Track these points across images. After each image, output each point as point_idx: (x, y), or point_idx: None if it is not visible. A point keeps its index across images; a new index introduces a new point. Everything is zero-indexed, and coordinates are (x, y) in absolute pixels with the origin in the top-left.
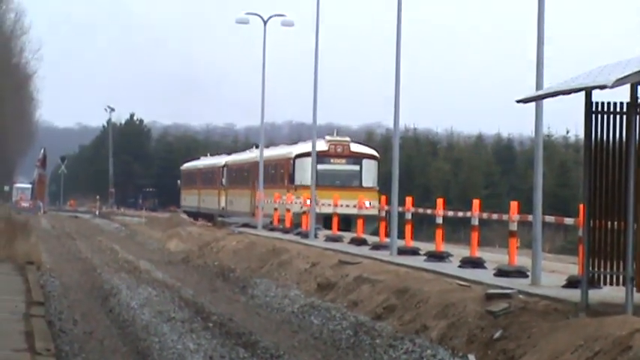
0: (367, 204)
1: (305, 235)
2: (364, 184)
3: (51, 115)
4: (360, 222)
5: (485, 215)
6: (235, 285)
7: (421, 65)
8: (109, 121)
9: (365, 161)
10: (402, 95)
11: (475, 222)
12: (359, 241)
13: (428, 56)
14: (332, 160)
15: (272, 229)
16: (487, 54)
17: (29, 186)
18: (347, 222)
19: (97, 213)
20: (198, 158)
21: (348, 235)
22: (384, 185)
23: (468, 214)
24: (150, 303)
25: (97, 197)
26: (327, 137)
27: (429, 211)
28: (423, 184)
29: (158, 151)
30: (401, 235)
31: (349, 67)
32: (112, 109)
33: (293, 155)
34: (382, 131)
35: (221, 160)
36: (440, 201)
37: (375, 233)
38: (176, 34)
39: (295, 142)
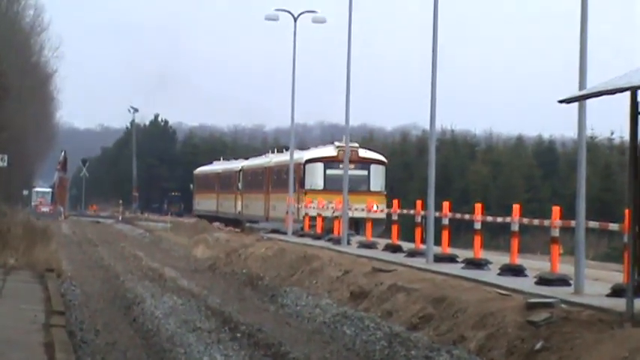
0: (375, 207)
1: (337, 242)
2: (372, 189)
3: (72, 116)
4: (368, 225)
5: (525, 221)
6: (264, 294)
7: (459, 65)
8: (132, 122)
9: (373, 166)
10: (439, 95)
11: (515, 228)
12: (394, 248)
13: (466, 56)
14: (341, 165)
15: (302, 235)
16: (528, 53)
17: (49, 190)
18: (356, 225)
19: (120, 218)
20: (211, 162)
21: (382, 242)
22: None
23: (508, 219)
24: (175, 312)
25: (120, 202)
26: (336, 143)
27: (466, 217)
28: (461, 188)
29: (184, 154)
30: (438, 241)
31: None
32: (136, 110)
33: (303, 160)
34: (418, 133)
35: (237, 164)
36: (478, 206)
37: (384, 236)
38: (200, 34)
39: (307, 148)
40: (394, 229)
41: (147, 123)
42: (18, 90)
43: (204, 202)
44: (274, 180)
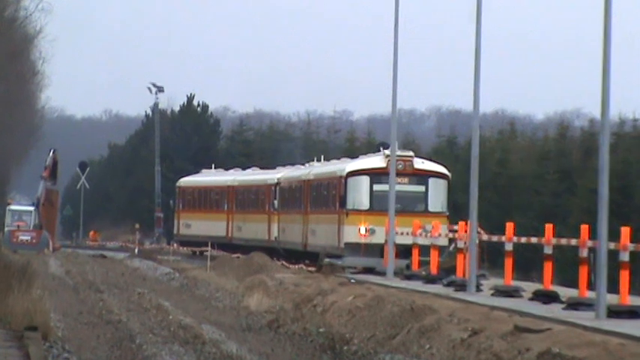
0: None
1: (461, 287)
2: (431, 209)
3: (65, 98)
4: (414, 251)
5: None
6: None
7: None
8: (154, 108)
9: (432, 180)
10: (614, 74)
11: None
12: (546, 296)
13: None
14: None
15: (409, 277)
16: None
17: (31, 208)
18: (409, 254)
19: (137, 250)
20: (198, 172)
21: (529, 287)
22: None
23: None
24: None
25: (137, 226)
26: (386, 151)
27: None
28: None
29: (231, 154)
30: (613, 287)
31: (530, 38)
32: (160, 89)
33: (345, 173)
34: (582, 123)
35: (271, 175)
36: None
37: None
38: None
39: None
40: (508, 263)
41: (176, 109)
42: None
43: (200, 225)
44: (313, 197)
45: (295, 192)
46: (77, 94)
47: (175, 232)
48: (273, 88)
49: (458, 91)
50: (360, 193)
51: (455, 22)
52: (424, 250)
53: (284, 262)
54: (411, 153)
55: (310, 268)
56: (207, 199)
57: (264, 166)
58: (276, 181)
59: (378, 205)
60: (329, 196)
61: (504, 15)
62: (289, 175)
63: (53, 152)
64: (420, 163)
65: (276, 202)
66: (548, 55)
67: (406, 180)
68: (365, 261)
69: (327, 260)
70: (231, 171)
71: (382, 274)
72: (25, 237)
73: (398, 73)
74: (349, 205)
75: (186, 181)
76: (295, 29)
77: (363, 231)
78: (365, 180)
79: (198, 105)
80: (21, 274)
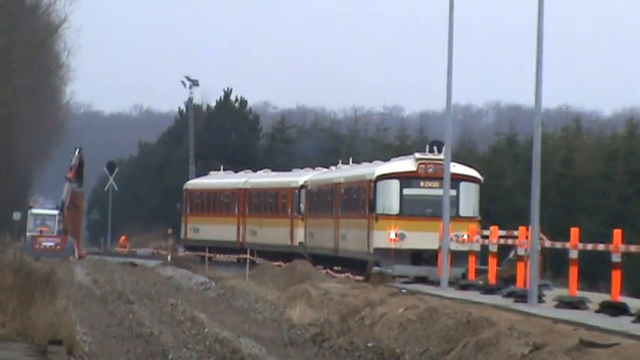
0: (465, 237)
1: (522, 297)
2: (462, 213)
3: (91, 93)
4: (471, 259)
5: None
6: None
7: None
8: (188, 104)
9: (463, 184)
10: None
11: None
12: (614, 308)
13: None
14: (422, 184)
15: (465, 287)
16: None
17: (55, 212)
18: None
19: (170, 258)
20: (206, 174)
21: (595, 298)
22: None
23: None
24: None
25: (170, 231)
26: (417, 155)
27: None
28: None
29: (272, 153)
30: None
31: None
32: (195, 83)
33: (374, 176)
34: None
35: (294, 178)
36: None
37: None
38: None
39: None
40: (573, 272)
41: (212, 104)
42: (4, 50)
43: (208, 229)
44: (344, 200)
45: (326, 195)
46: (105, 88)
47: (183, 236)
48: (316, 82)
49: (518, 85)
50: (389, 198)
51: (514, 11)
52: (458, 256)
53: (326, 270)
54: (441, 156)
55: (358, 277)
56: (217, 203)
57: (276, 169)
58: (300, 184)
59: (408, 210)
60: (359, 200)
61: (569, 4)
62: (318, 178)
63: (79, 151)
64: (452, 167)
65: (302, 206)
66: (615, 47)
67: (437, 184)
68: (417, 270)
69: (376, 269)
70: (241, 173)
71: (436, 283)
72: (48, 243)
73: (453, 65)
74: (379, 210)
75: (194, 183)
76: (341, 21)
77: (392, 236)
78: (395, 184)
79: (236, 100)
80: (44, 283)
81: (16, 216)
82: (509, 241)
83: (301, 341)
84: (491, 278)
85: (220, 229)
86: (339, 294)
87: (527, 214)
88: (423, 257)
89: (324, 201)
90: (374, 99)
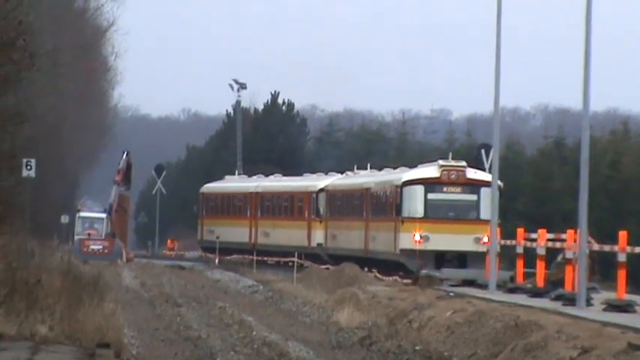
0: (486, 239)
1: (570, 301)
2: (482, 217)
3: (139, 97)
4: (519, 262)
5: None
6: None
7: None
8: (236, 107)
9: (483, 190)
10: None
11: None
12: None
13: None
14: (445, 189)
15: (512, 290)
16: None
17: (103, 215)
18: (462, 260)
19: (217, 261)
20: (222, 178)
21: None
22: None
23: None
24: None
25: (217, 236)
26: (440, 162)
27: None
28: None
29: (320, 156)
30: None
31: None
32: (243, 86)
33: (401, 182)
34: None
35: (311, 182)
36: None
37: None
38: None
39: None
40: (621, 275)
41: (259, 107)
42: (52, 54)
43: (223, 231)
44: (373, 204)
45: (353, 199)
46: (153, 91)
47: (199, 238)
48: (364, 86)
49: (566, 87)
50: (414, 202)
51: (562, 12)
52: (477, 258)
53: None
54: (463, 163)
55: (405, 280)
56: (230, 206)
57: (286, 173)
58: (318, 188)
59: (432, 213)
60: (386, 204)
61: (617, 5)
62: (341, 182)
63: (127, 154)
64: (473, 173)
65: (321, 208)
66: None
67: (459, 189)
68: (465, 273)
69: (424, 272)
70: (254, 177)
71: (483, 286)
72: (96, 246)
73: (501, 68)
74: (404, 213)
75: (210, 187)
76: (387, 23)
77: (417, 238)
78: (420, 189)
79: (284, 103)
80: (92, 286)
81: (64, 219)
82: (558, 244)
83: (349, 344)
84: (540, 281)
85: (233, 231)
86: (386, 297)
87: (576, 217)
88: (446, 258)
89: (351, 204)
90: (422, 102)
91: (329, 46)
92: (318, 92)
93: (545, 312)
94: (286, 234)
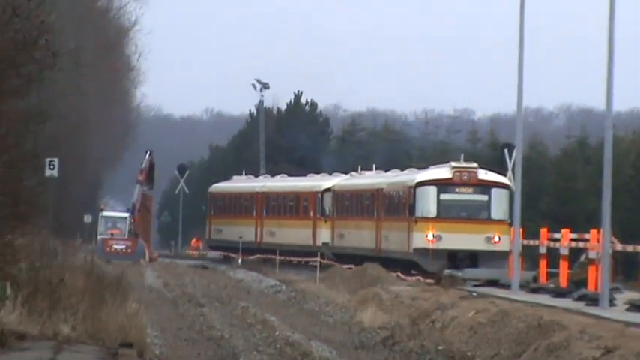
0: (496, 238)
1: (593, 301)
2: (493, 217)
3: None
4: (542, 262)
5: None
6: None
7: None
8: (259, 107)
9: (494, 190)
10: None
11: None
12: None
13: None
14: (457, 190)
15: (535, 290)
16: None
17: (126, 215)
18: (473, 259)
19: (240, 261)
20: (230, 179)
21: None
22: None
23: None
24: None
25: (240, 237)
26: (452, 163)
27: None
28: None
29: (343, 156)
30: None
31: None
32: (265, 86)
33: (414, 183)
34: None
35: (316, 183)
36: None
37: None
38: None
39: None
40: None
41: (282, 107)
42: (75, 53)
43: (230, 230)
44: (386, 205)
45: (362, 199)
46: (175, 91)
47: (207, 236)
48: (387, 85)
49: (589, 87)
50: (427, 202)
51: (585, 12)
52: (489, 257)
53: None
54: (475, 165)
55: (428, 280)
56: (237, 205)
57: (291, 174)
58: (323, 188)
59: (444, 213)
60: (399, 204)
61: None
62: (346, 182)
63: (150, 154)
64: (484, 175)
65: (327, 208)
66: None
67: (471, 190)
68: (488, 273)
69: (447, 272)
70: (261, 178)
71: (506, 286)
72: (119, 246)
73: (524, 68)
74: (418, 213)
75: (217, 187)
76: (409, 22)
77: (430, 237)
78: (432, 190)
79: (306, 103)
80: (115, 286)
81: (87, 219)
82: (581, 244)
83: (372, 344)
84: (562, 281)
85: (240, 230)
86: (409, 297)
87: (599, 216)
88: (458, 257)
89: (360, 204)
90: (444, 102)
91: (351, 47)
92: (342, 91)
93: (568, 312)
94: (291, 233)
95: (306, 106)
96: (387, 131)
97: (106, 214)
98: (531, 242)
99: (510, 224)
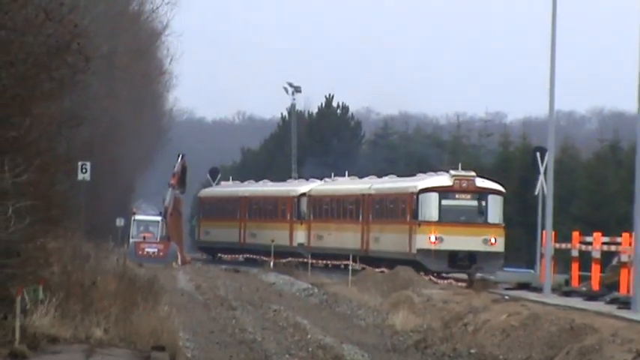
0: (493, 240)
1: (625, 304)
2: (490, 220)
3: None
4: (574, 266)
5: None
6: None
7: None
8: (291, 110)
9: (490, 197)
10: None
11: None
12: None
13: None
14: (457, 196)
15: (567, 293)
16: None
17: (158, 218)
18: (472, 259)
19: (272, 264)
20: (218, 184)
21: None
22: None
23: None
24: None
25: (272, 240)
26: (452, 172)
27: None
28: None
29: (375, 159)
30: None
31: None
32: (297, 89)
33: (417, 189)
34: None
35: (292, 188)
36: None
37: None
38: None
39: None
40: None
41: (314, 110)
42: (107, 57)
43: (217, 233)
44: (376, 209)
45: (344, 203)
46: (207, 94)
47: (197, 238)
48: (419, 89)
49: (621, 91)
50: (430, 207)
51: (617, 16)
52: (486, 257)
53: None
54: (472, 173)
55: (461, 284)
56: (223, 209)
57: (275, 179)
58: (299, 193)
59: (445, 217)
60: (398, 208)
61: None
62: (323, 187)
63: (182, 157)
64: (481, 182)
65: (303, 211)
66: None
67: (469, 196)
68: (519, 276)
69: (479, 275)
70: (245, 183)
71: (538, 290)
72: (151, 249)
73: (556, 71)
74: (421, 217)
75: (206, 192)
76: (442, 24)
77: (433, 239)
78: (434, 196)
79: (338, 106)
80: (147, 289)
81: (120, 222)
82: (613, 248)
83: (404, 347)
84: (595, 285)
85: (226, 232)
86: (441, 300)
87: (631, 220)
88: (458, 257)
89: (341, 207)
90: (476, 105)
91: (384, 50)
92: (374, 95)
93: (600, 315)
94: (270, 234)
95: (338, 110)
96: (418, 135)
97: (138, 217)
98: (563, 246)
99: (505, 228)
